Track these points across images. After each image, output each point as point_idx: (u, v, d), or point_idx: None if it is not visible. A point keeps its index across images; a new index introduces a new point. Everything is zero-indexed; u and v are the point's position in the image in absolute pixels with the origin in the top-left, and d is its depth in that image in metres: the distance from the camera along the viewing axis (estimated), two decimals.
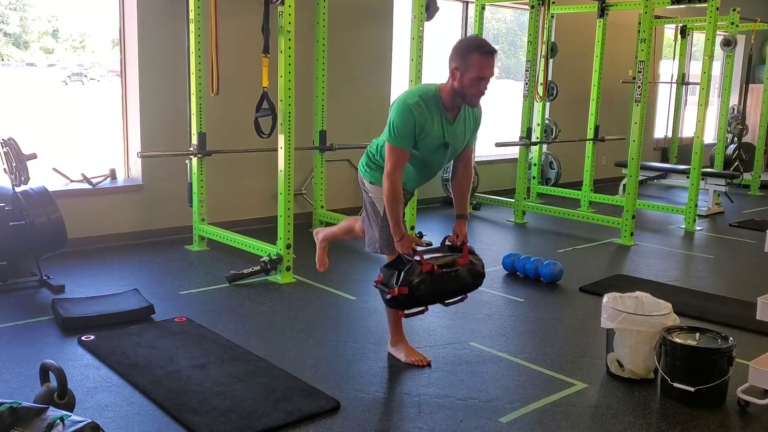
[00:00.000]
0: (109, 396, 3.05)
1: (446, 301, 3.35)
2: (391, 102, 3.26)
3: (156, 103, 5.67)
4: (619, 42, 8.90)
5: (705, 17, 6.82)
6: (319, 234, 3.92)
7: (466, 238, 3.38)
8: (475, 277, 3.35)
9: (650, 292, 3.61)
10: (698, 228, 7.00)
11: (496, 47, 3.17)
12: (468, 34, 7.59)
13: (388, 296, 3.15)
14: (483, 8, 7.33)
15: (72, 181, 5.64)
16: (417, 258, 3.17)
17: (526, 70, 7.06)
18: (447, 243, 3.40)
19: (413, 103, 3.09)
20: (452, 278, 3.25)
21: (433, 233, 6.00)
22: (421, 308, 3.31)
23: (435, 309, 4.25)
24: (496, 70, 3.20)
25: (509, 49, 12.02)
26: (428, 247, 3.42)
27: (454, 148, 3.28)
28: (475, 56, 3.03)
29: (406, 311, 3.34)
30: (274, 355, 3.53)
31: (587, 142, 7.78)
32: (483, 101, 3.27)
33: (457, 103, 3.16)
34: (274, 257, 4.80)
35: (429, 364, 3.47)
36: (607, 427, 2.93)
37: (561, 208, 7.04)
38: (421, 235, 5.65)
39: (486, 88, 3.12)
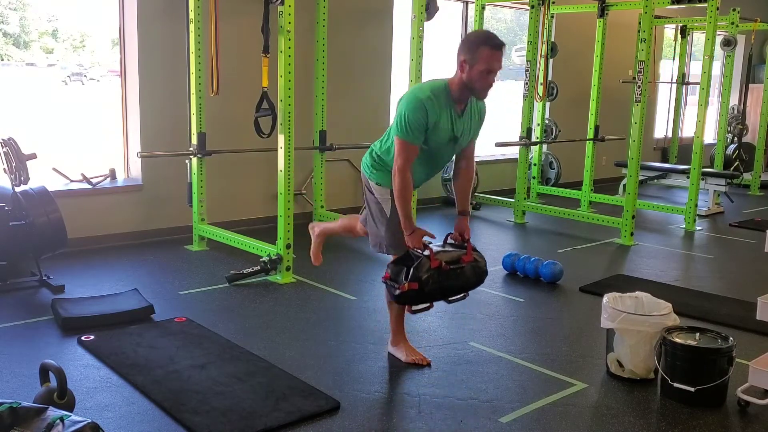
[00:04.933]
0: (109, 396, 3.05)
1: (449, 298, 3.36)
2: (397, 98, 3.25)
3: (156, 103, 5.67)
4: (619, 42, 8.90)
5: (705, 17, 6.82)
6: (315, 229, 3.92)
7: (469, 235, 3.39)
8: (478, 274, 3.35)
9: (650, 292, 3.61)
10: (698, 228, 7.00)
11: None
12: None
13: (397, 292, 3.14)
14: (483, 8, 7.33)
15: (72, 181, 5.64)
16: (426, 253, 3.16)
17: (526, 70, 7.07)
18: (450, 240, 3.40)
19: (425, 97, 3.08)
20: (458, 275, 3.25)
21: (433, 233, 5.99)
22: (427, 305, 3.31)
23: (436, 308, 4.24)
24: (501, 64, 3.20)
25: (509, 49, 12.02)
26: (435, 243, 3.40)
27: (461, 142, 3.29)
28: (484, 49, 3.04)
29: (413, 307, 3.33)
30: (274, 355, 3.53)
31: (587, 142, 7.78)
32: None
33: (465, 96, 3.16)
34: (274, 257, 4.80)
35: (429, 364, 3.46)
36: (607, 427, 2.93)
37: (561, 208, 7.04)
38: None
39: (494, 81, 3.13)
